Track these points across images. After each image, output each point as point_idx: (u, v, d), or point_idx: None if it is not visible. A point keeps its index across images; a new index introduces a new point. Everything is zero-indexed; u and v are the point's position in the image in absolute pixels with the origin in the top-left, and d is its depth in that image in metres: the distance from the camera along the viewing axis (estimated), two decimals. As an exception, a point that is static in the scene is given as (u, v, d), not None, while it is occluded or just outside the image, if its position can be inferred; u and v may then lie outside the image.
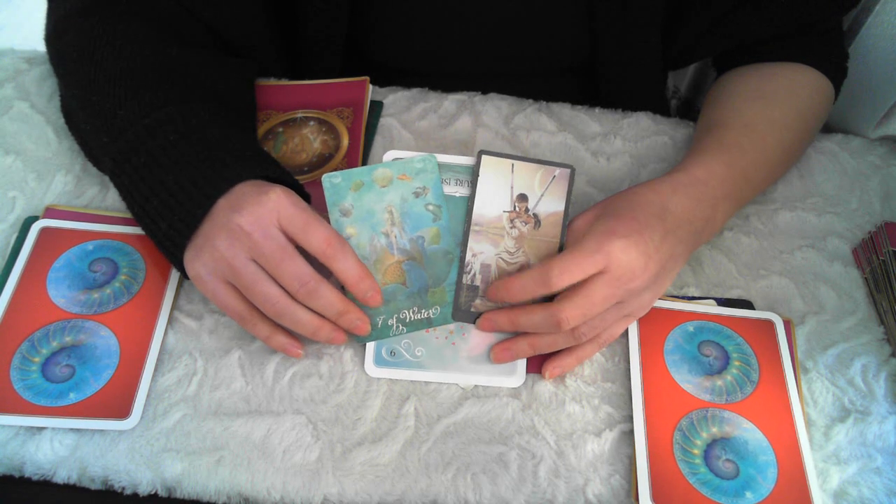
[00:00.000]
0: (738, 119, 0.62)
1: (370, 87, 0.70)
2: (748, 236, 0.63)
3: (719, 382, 0.54)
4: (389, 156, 0.55)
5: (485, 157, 0.53)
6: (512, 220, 0.53)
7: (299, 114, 0.68)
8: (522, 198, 0.53)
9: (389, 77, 0.73)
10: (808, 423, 0.53)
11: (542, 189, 0.53)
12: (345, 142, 0.66)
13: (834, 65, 0.67)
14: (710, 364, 0.55)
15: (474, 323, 0.54)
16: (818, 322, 0.58)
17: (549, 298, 0.52)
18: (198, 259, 0.50)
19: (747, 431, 0.51)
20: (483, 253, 0.53)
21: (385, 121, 0.69)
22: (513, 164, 0.53)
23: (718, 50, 0.70)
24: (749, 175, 0.59)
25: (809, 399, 0.54)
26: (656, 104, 0.75)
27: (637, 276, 0.50)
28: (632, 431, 0.51)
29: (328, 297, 0.50)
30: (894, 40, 0.66)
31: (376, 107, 0.70)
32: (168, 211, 0.51)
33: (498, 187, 0.53)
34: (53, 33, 0.62)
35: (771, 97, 0.64)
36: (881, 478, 0.51)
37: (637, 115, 0.71)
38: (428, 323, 0.54)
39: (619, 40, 0.69)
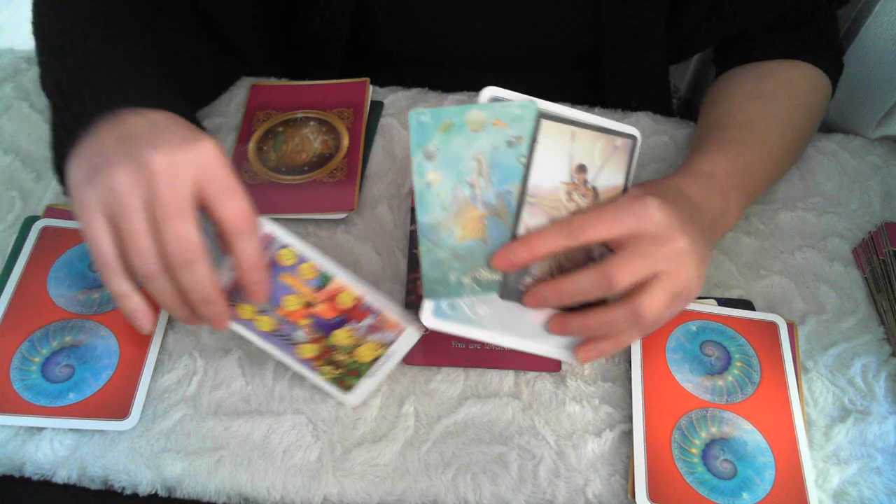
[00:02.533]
0: (737, 118, 0.62)
1: (370, 87, 0.70)
2: (748, 236, 0.63)
3: (720, 383, 0.54)
4: (487, 94, 0.47)
5: (544, 122, 0.47)
6: (570, 193, 0.48)
7: (299, 114, 0.68)
8: (582, 168, 0.48)
9: (391, 67, 0.73)
10: (808, 423, 0.53)
11: (602, 160, 0.48)
12: (345, 142, 0.66)
13: (831, 60, 0.67)
14: (712, 364, 0.55)
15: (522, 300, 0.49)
16: (818, 322, 0.58)
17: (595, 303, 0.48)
18: (89, 182, 0.44)
19: (746, 432, 0.51)
20: (536, 227, 0.48)
21: (385, 121, 0.69)
22: (573, 132, 0.47)
23: (717, 39, 0.70)
24: (754, 169, 0.59)
25: (809, 399, 0.54)
26: (661, 97, 0.75)
27: (677, 236, 0.46)
28: (632, 431, 0.51)
29: (203, 278, 0.44)
30: (894, 40, 0.66)
31: (376, 107, 0.70)
32: (65, 108, 0.48)
33: (556, 155, 0.47)
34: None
35: (770, 96, 0.64)
36: (881, 478, 0.51)
37: (637, 115, 0.71)
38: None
39: (624, 28, 0.69)
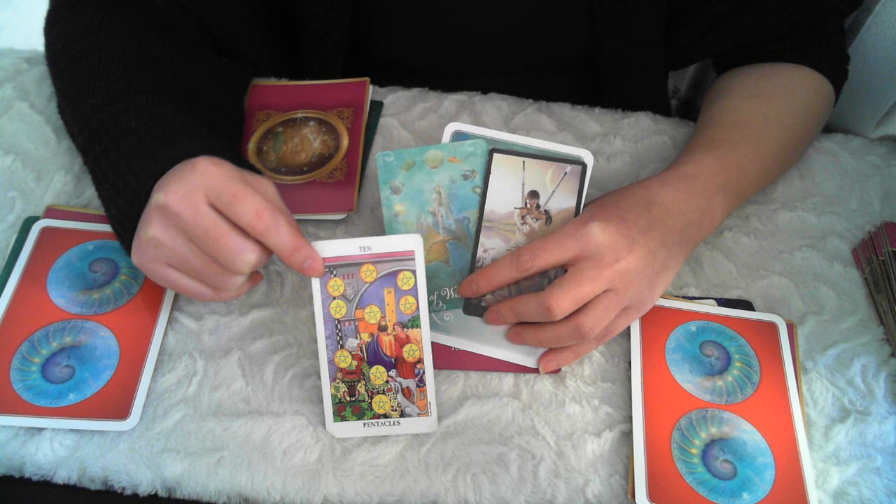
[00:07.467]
0: (730, 116, 0.62)
1: (370, 87, 0.70)
2: (748, 236, 0.63)
3: (720, 383, 0.54)
4: (450, 129, 0.55)
5: (496, 156, 0.53)
6: (523, 217, 0.54)
7: (299, 114, 0.68)
8: (533, 195, 0.53)
9: (391, 73, 0.73)
10: (808, 423, 0.53)
11: (553, 185, 0.53)
12: (345, 142, 0.66)
13: (834, 67, 0.67)
14: (712, 364, 0.55)
15: (483, 317, 0.54)
16: (818, 322, 0.58)
17: None
18: (138, 250, 0.48)
19: (746, 433, 0.52)
20: (494, 249, 0.54)
21: (385, 121, 0.69)
22: (524, 162, 0.53)
23: (719, 50, 0.70)
24: (744, 168, 0.59)
25: (809, 399, 0.54)
26: (658, 102, 0.74)
27: (622, 256, 0.49)
28: (632, 431, 0.51)
29: (278, 238, 0.47)
30: (894, 40, 0.66)
31: (376, 107, 0.70)
32: (117, 196, 0.50)
33: (509, 184, 0.53)
34: (46, 25, 0.62)
35: (767, 95, 0.64)
36: (881, 478, 0.51)
37: (637, 115, 0.71)
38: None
39: (621, 36, 0.68)
